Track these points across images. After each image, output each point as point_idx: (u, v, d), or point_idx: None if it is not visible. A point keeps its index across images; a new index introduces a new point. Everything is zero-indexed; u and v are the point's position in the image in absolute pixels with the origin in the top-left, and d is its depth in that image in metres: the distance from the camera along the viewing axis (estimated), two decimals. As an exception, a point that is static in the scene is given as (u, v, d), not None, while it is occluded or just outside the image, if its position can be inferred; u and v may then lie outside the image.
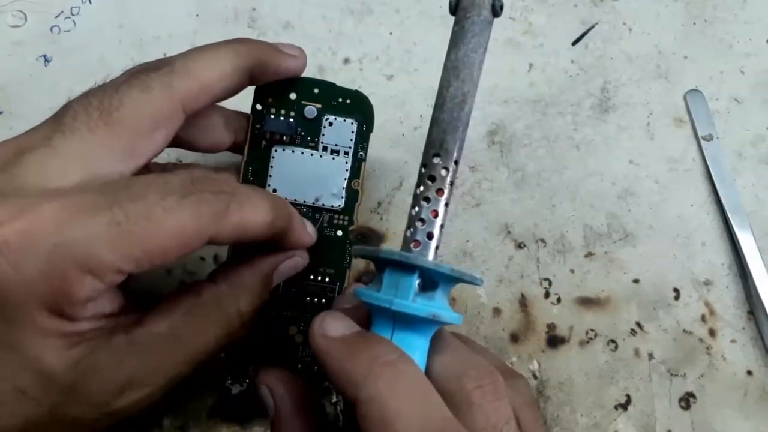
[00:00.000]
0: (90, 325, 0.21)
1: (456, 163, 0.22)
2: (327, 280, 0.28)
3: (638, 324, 0.33)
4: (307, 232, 0.26)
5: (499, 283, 0.33)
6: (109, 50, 0.36)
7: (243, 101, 0.28)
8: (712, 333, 0.33)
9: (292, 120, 0.28)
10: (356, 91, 0.28)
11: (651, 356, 0.32)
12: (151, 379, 0.22)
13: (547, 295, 0.33)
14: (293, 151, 0.28)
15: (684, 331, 0.33)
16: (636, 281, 0.33)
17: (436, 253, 0.22)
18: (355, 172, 0.28)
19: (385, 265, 0.22)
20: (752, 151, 0.36)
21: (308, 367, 0.28)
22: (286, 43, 0.27)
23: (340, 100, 0.28)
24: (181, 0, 0.37)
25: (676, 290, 0.33)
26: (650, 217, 0.35)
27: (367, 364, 0.20)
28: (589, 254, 0.34)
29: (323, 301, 0.28)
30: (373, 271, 0.31)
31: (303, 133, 0.28)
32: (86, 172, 0.21)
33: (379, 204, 0.34)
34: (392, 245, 0.33)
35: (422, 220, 0.22)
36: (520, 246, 0.34)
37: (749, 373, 0.32)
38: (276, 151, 0.28)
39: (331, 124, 0.28)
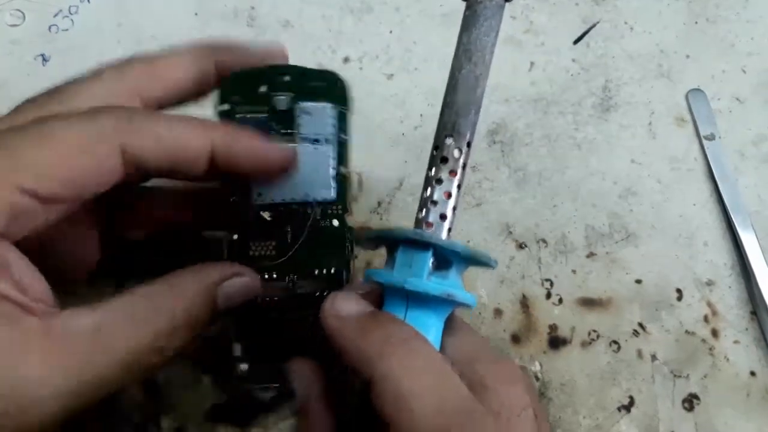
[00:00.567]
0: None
1: (468, 145, 0.22)
2: (332, 271, 0.27)
3: (641, 325, 0.32)
4: (269, 143, 0.24)
5: (500, 283, 0.33)
6: (108, 49, 0.35)
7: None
8: (714, 334, 0.32)
9: (263, 116, 0.26)
10: (328, 72, 0.27)
11: (654, 357, 0.32)
12: (60, 379, 0.19)
13: (548, 295, 0.33)
14: None
15: (687, 331, 0.32)
16: (638, 282, 0.33)
17: (449, 234, 0.22)
18: (341, 157, 0.27)
19: (398, 244, 0.22)
20: (754, 150, 0.36)
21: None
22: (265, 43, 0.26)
23: (313, 84, 0.26)
24: (180, -1, 0.37)
25: (678, 291, 0.33)
26: (652, 216, 0.34)
27: (381, 343, 0.20)
28: (590, 254, 0.34)
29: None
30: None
31: (278, 127, 0.26)
32: None
33: (379, 204, 0.34)
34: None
35: (434, 202, 0.21)
36: (521, 246, 0.33)
37: (752, 374, 0.32)
38: None
39: (307, 112, 0.26)
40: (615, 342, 0.32)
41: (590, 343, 0.32)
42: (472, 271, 0.26)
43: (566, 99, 0.36)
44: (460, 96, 0.21)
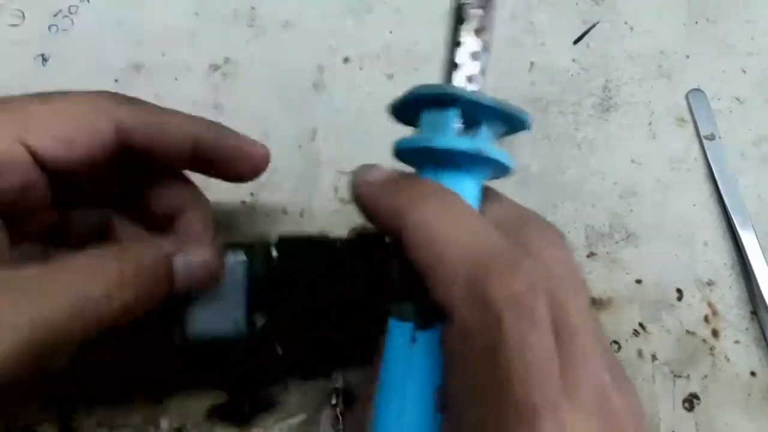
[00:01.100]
0: None
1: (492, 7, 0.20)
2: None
3: (641, 325, 0.32)
4: (250, 138, 0.25)
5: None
6: (108, 49, 0.35)
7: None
8: (715, 334, 0.32)
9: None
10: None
11: (654, 357, 0.32)
12: (8, 316, 0.18)
13: (548, 295, 0.33)
14: None
15: (687, 331, 0.32)
16: (638, 282, 0.33)
17: None
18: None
19: (421, 106, 0.20)
20: (754, 150, 0.36)
21: None
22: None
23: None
24: (180, -1, 0.37)
25: (678, 291, 0.33)
26: (652, 217, 0.34)
27: (413, 196, 0.19)
28: (591, 254, 0.34)
29: None
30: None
31: None
32: None
33: (380, 204, 0.34)
34: (393, 245, 0.33)
35: (455, 64, 0.20)
36: (521, 246, 0.33)
37: (753, 374, 0.32)
38: None
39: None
40: (615, 342, 0.32)
41: (590, 343, 0.32)
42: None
43: (566, 99, 0.36)
44: None
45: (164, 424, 0.29)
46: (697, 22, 0.39)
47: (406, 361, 0.19)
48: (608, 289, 0.33)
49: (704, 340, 0.32)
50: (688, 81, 0.37)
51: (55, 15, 0.36)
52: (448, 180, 0.20)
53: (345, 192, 0.33)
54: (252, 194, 0.33)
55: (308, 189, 0.33)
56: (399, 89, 0.36)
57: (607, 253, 0.34)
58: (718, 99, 0.37)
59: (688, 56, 0.38)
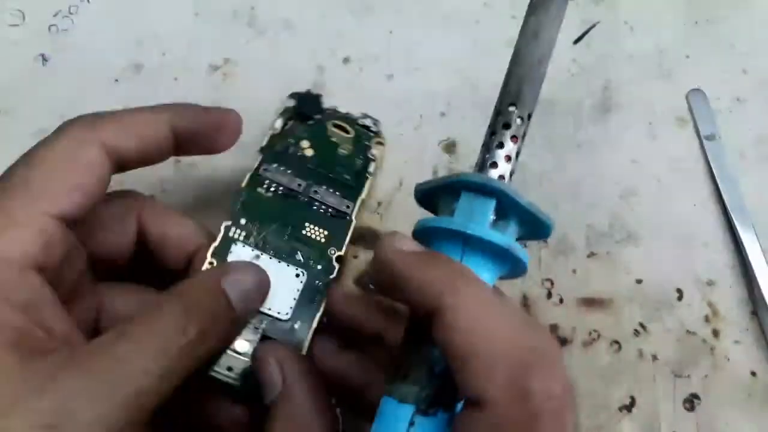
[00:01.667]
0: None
1: (529, 117, 0.22)
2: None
3: (641, 325, 0.32)
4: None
5: (501, 283, 0.33)
6: (108, 49, 0.35)
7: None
8: (715, 334, 0.32)
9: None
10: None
11: (655, 357, 0.32)
12: (98, 402, 0.18)
13: (549, 295, 0.33)
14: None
15: (687, 331, 0.32)
16: (639, 281, 0.33)
17: None
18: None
19: (461, 189, 0.21)
20: (755, 150, 0.36)
21: None
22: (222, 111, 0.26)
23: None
24: (180, -1, 0.37)
25: (679, 290, 0.33)
26: (653, 216, 0.34)
27: (448, 275, 0.19)
28: (591, 254, 0.34)
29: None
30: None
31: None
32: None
33: (379, 204, 0.34)
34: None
35: (495, 164, 0.22)
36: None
37: (753, 374, 0.32)
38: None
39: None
40: (616, 342, 0.32)
41: (591, 343, 0.32)
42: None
43: (566, 99, 0.36)
44: (524, 69, 0.22)
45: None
46: (697, 22, 0.39)
47: None
48: (608, 289, 0.33)
49: (704, 340, 0.32)
50: (688, 81, 0.37)
51: (55, 15, 0.36)
52: (471, 264, 0.21)
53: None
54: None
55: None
56: (399, 90, 0.37)
57: (607, 253, 0.34)
58: (718, 99, 0.37)
59: (688, 56, 0.38)
